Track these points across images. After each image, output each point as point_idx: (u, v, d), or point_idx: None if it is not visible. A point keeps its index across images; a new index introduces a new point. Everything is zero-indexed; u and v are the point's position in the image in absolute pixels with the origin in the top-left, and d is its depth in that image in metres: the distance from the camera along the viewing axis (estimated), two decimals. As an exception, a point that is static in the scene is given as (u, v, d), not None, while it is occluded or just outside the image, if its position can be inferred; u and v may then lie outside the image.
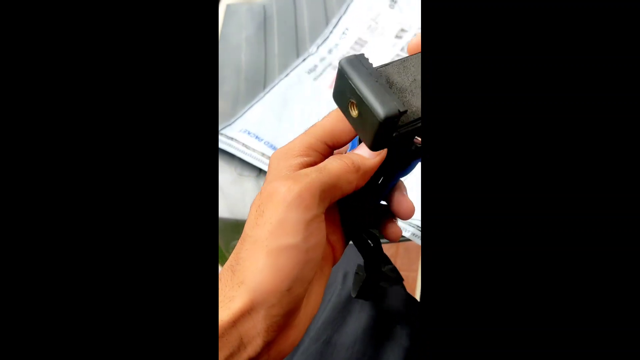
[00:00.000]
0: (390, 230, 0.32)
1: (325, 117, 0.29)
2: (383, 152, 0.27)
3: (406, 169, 0.30)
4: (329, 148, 0.29)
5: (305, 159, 0.28)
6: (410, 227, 0.51)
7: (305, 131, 0.29)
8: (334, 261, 0.31)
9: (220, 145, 0.63)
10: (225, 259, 0.44)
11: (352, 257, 0.53)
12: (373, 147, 0.27)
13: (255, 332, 0.24)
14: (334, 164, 0.26)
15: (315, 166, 0.27)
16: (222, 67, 0.73)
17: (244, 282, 0.24)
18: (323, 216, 0.26)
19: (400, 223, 0.52)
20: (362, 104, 0.25)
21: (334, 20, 0.75)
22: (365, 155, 0.28)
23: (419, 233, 0.50)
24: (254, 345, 0.25)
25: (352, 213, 0.31)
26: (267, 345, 0.25)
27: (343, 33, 0.73)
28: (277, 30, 0.76)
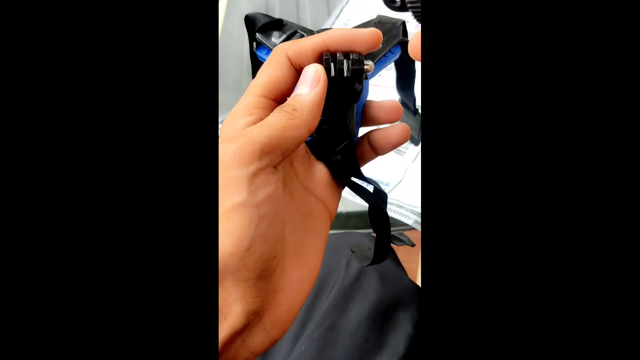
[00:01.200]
0: (389, 136, 0.31)
1: (260, 71, 0.28)
2: (321, 81, 0.27)
3: (359, 94, 0.29)
4: (273, 102, 0.27)
5: (249, 118, 0.26)
6: (412, 214, 0.52)
7: (246, 91, 0.28)
8: (330, 217, 0.30)
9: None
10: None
11: (354, 244, 0.53)
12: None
13: (231, 299, 0.23)
14: (275, 116, 0.26)
15: (257, 123, 0.26)
16: (224, 58, 0.74)
17: None
18: (271, 169, 0.25)
19: (402, 211, 0.53)
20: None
21: (336, 12, 0.75)
22: (303, 93, 0.27)
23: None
24: (234, 314, 0.23)
25: (330, 159, 0.30)
26: (255, 314, 0.24)
27: (345, 24, 0.74)
28: (280, 21, 0.76)
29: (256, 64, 0.34)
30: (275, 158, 0.25)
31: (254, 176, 0.24)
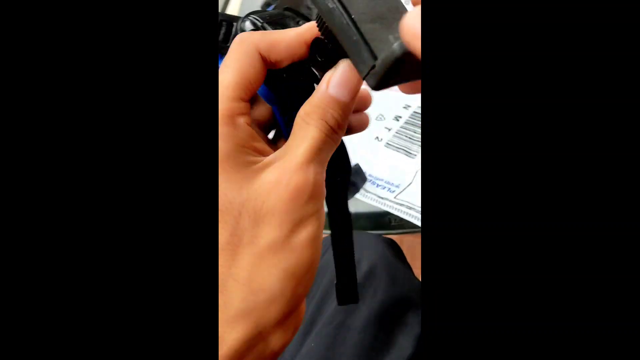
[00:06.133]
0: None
1: (225, 67, 0.24)
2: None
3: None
4: (247, 104, 0.24)
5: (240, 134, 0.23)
6: (417, 213, 0.52)
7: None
8: None
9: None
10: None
11: (364, 244, 0.54)
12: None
13: None
14: (312, 133, 0.23)
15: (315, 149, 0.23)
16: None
17: None
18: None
19: (412, 212, 0.53)
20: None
21: None
22: (343, 99, 0.24)
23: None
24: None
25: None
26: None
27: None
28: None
29: None
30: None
31: None
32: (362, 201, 0.54)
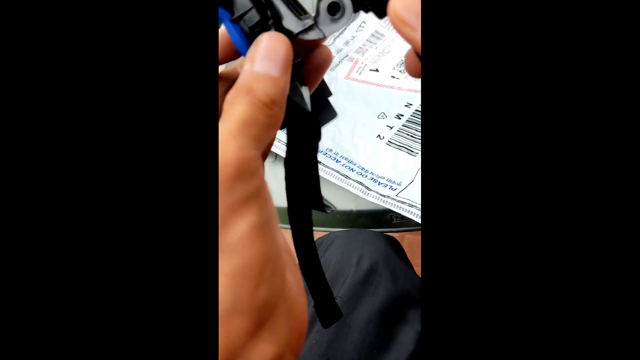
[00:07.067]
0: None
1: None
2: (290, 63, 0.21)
3: None
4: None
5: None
6: (419, 211, 0.52)
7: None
8: None
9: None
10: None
11: (366, 241, 0.54)
12: None
13: None
14: (238, 109, 0.20)
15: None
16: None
17: None
18: None
19: (414, 210, 0.53)
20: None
21: (351, 13, 0.76)
22: (273, 74, 0.20)
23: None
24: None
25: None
26: None
27: (360, 26, 0.74)
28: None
29: None
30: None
31: None
32: (363, 199, 0.54)
